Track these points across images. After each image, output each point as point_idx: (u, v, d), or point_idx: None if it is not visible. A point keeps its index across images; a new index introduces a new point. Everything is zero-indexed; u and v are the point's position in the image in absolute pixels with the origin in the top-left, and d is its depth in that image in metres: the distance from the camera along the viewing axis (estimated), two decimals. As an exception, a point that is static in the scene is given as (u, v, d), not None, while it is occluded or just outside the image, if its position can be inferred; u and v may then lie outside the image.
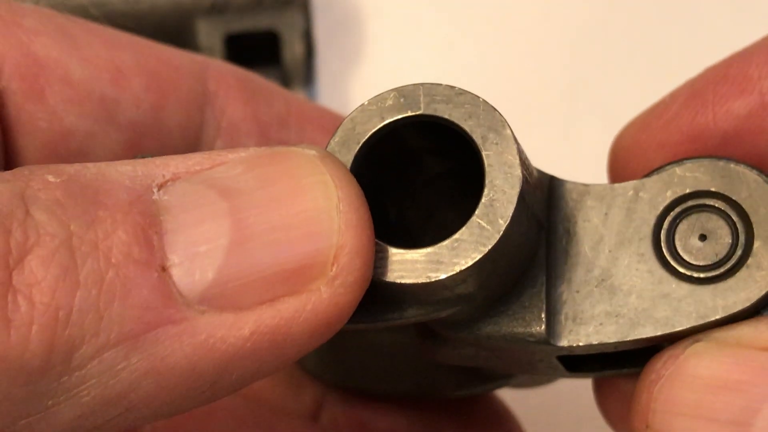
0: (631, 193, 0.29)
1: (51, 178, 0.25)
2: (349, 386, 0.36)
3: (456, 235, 0.27)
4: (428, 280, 0.26)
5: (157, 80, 0.33)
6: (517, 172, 0.27)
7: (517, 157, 0.27)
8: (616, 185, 0.29)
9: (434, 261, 0.26)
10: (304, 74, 0.51)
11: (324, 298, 0.25)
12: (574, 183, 0.29)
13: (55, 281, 0.24)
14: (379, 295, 0.27)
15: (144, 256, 0.25)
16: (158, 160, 0.26)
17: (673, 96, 0.32)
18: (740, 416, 0.26)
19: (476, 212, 0.27)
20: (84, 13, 0.49)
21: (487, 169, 0.27)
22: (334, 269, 0.25)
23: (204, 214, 0.25)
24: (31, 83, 0.32)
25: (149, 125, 0.33)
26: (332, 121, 0.35)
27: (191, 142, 0.34)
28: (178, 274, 0.25)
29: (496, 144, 0.27)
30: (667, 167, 0.29)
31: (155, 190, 0.25)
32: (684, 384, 0.27)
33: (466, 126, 0.27)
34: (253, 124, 0.35)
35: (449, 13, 0.52)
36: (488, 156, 0.27)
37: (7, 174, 0.25)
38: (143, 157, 0.27)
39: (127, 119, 0.33)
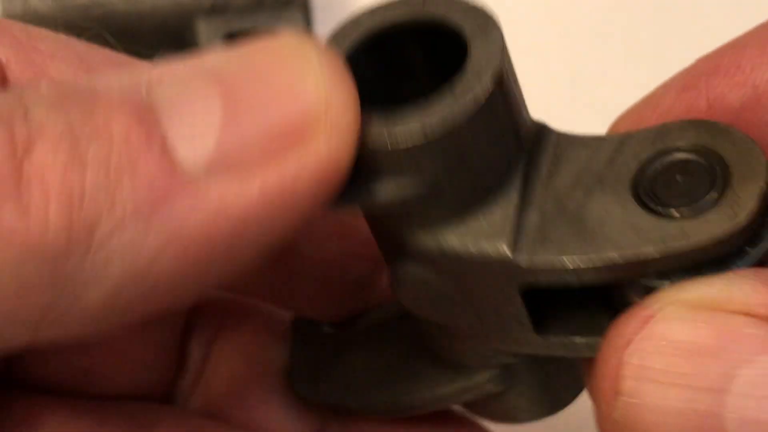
0: (617, 141, 0.29)
1: (44, 86, 0.26)
2: (339, 407, 0.36)
3: (428, 103, 0.27)
4: (396, 147, 0.27)
5: None
6: (497, 60, 0.27)
7: (501, 51, 0.27)
8: (606, 135, 0.30)
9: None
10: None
11: (322, 150, 0.26)
12: (565, 133, 0.30)
13: (63, 165, 0.24)
14: (356, 175, 0.27)
15: (145, 136, 0.25)
16: (141, 66, 0.27)
17: (666, 87, 0.32)
18: (716, 383, 0.25)
19: (453, 82, 0.27)
20: (85, 13, 0.49)
21: (472, 51, 0.27)
22: (327, 123, 0.26)
23: (195, 95, 0.26)
24: None
25: None
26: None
27: None
28: (179, 147, 0.25)
29: (485, 39, 0.28)
30: (660, 125, 0.29)
31: (143, 89, 0.26)
32: (656, 349, 0.26)
33: (458, 20, 0.28)
34: None
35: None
36: (476, 47, 0.27)
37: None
38: None
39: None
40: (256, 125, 0.26)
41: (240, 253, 0.27)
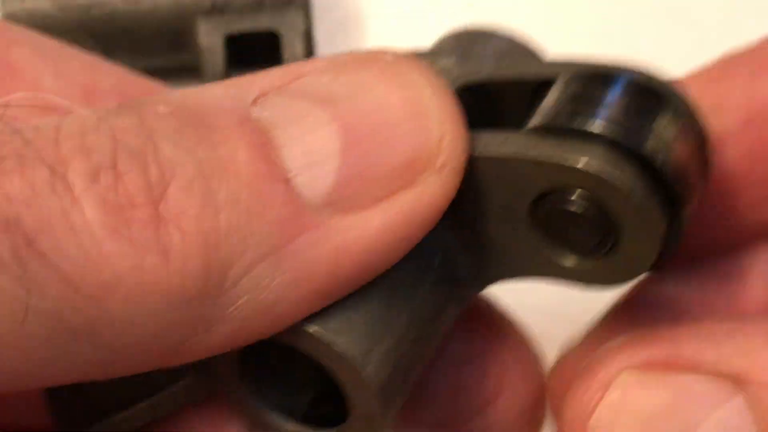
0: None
1: (162, 108, 0.26)
2: None
3: None
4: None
5: None
6: None
7: None
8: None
9: None
10: (305, 75, 0.51)
11: (436, 186, 0.27)
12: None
13: (199, 208, 0.25)
14: None
15: (269, 172, 0.25)
16: (242, 80, 0.27)
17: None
18: None
19: None
20: (86, 13, 0.49)
21: None
22: (440, 158, 0.27)
23: (309, 124, 0.26)
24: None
25: None
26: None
27: None
28: (301, 183, 0.26)
29: None
30: None
31: (252, 108, 0.26)
32: (617, 418, 0.27)
33: None
34: None
35: (450, 14, 0.52)
36: None
37: (114, 108, 0.26)
38: None
39: None
40: (378, 158, 0.26)
41: (353, 283, 0.27)
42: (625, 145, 0.27)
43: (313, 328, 0.27)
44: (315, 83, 0.27)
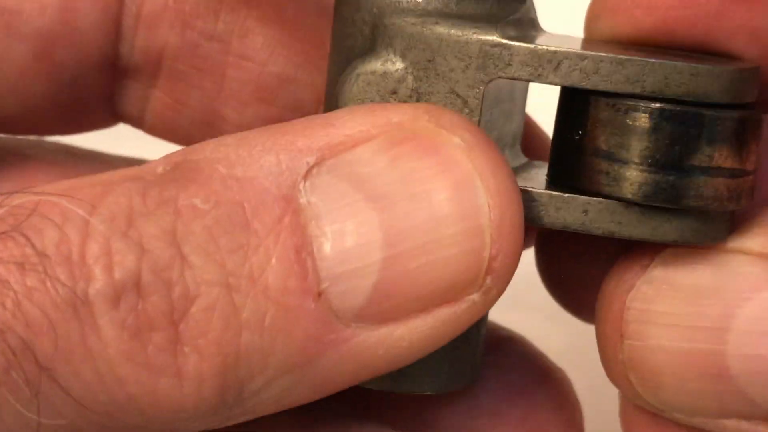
0: None
1: (200, 204, 0.24)
2: None
3: None
4: None
5: None
6: None
7: None
8: None
9: None
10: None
11: (477, 305, 0.26)
12: None
13: (220, 330, 0.24)
14: None
15: (301, 286, 0.24)
16: (300, 141, 0.25)
17: None
18: (717, 321, 0.26)
19: None
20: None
21: None
22: (488, 280, 0.25)
23: (355, 223, 0.25)
24: None
25: (59, 31, 0.32)
26: (278, 3, 0.33)
27: (110, 39, 0.33)
28: (333, 296, 0.25)
29: None
30: None
31: (301, 187, 0.25)
32: (657, 293, 0.27)
33: None
34: (175, 15, 0.33)
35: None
36: None
37: (154, 198, 0.24)
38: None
39: (32, 29, 0.32)
40: (421, 276, 0.25)
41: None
42: None
43: None
44: (370, 165, 0.25)
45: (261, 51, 0.33)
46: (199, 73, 0.33)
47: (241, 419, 0.25)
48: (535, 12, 0.29)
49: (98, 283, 0.23)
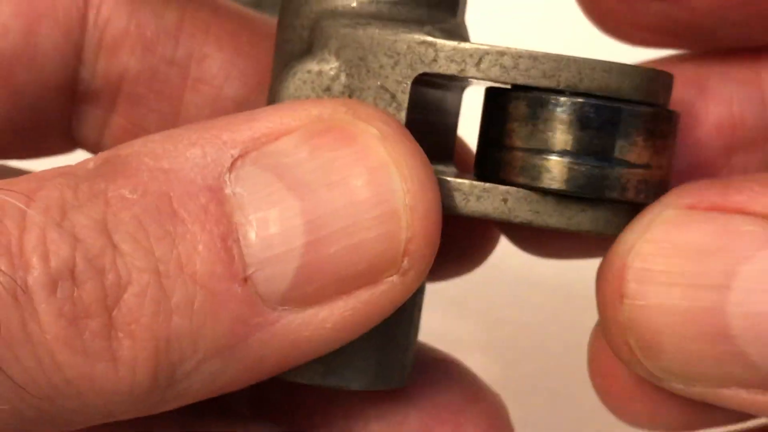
0: None
1: (128, 194, 0.25)
2: None
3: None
4: None
5: (28, 2, 0.32)
6: None
7: None
8: None
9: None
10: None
11: (397, 287, 0.26)
12: None
13: (151, 315, 0.25)
14: None
15: (227, 271, 0.25)
16: (225, 135, 0.26)
17: None
18: (718, 280, 0.26)
19: None
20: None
21: None
22: (405, 261, 0.26)
23: (278, 212, 0.26)
24: None
25: (20, 54, 0.32)
26: (234, 29, 0.34)
27: (72, 64, 0.33)
28: (258, 281, 0.26)
29: None
30: None
31: (227, 178, 0.26)
32: (658, 251, 0.27)
33: None
34: (137, 40, 0.34)
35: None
36: None
37: (85, 191, 0.25)
38: None
39: None
40: (341, 259, 0.26)
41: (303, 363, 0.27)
42: None
43: None
44: (291, 155, 0.26)
45: (217, 75, 0.34)
46: (158, 97, 0.34)
47: (174, 404, 0.26)
48: (467, 32, 0.31)
49: (36, 271, 0.24)
